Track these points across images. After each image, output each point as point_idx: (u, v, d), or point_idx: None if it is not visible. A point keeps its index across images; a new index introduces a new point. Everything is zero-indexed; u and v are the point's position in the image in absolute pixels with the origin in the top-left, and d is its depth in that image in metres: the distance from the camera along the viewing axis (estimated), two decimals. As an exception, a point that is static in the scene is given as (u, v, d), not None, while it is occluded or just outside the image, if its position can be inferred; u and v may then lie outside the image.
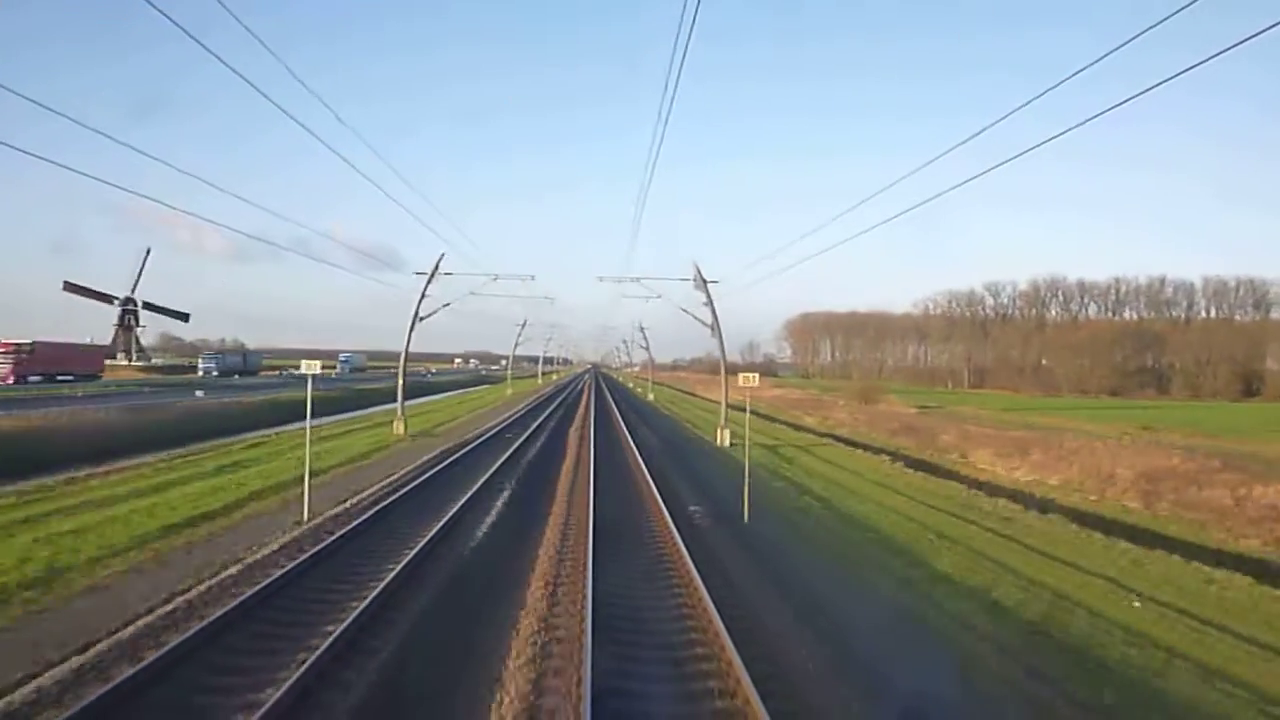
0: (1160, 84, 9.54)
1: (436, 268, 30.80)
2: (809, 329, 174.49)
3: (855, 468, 27.46)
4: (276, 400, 43.19)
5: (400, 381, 32.78)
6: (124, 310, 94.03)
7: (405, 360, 33.28)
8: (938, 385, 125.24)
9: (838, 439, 39.82)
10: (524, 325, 68.20)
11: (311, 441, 16.49)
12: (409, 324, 31.00)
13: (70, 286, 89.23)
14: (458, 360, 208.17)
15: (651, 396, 70.32)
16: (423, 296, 30.66)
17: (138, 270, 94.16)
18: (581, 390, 77.94)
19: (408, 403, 33.32)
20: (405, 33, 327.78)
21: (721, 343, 31.41)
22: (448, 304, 31.92)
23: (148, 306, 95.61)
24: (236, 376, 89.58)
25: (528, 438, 29.14)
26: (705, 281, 31.49)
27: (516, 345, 71.15)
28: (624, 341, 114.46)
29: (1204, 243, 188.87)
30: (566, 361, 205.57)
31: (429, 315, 31.07)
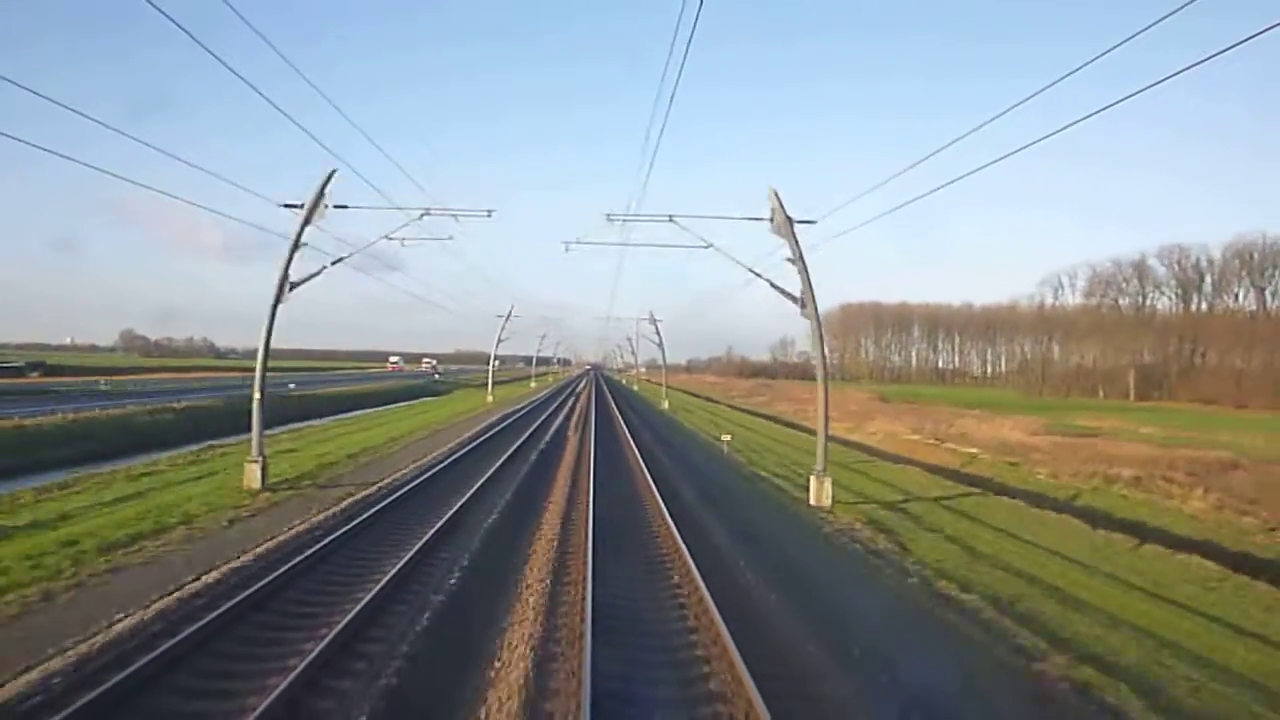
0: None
1: (322, 193, 17.52)
2: (851, 324, 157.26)
3: None
4: None
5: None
6: None
7: None
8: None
9: None
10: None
11: None
12: (272, 300, 17.60)
13: None
14: (394, 360, 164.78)
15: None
16: (296, 244, 17.36)
17: None
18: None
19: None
20: (401, 30, 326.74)
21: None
22: (338, 259, 18.37)
23: None
24: None
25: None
26: (792, 222, 17.74)
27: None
28: (628, 339, 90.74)
29: None
30: (566, 362, 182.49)
31: (304, 281, 17.71)
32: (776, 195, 17.94)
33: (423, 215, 18.32)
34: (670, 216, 18.42)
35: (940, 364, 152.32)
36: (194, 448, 28.70)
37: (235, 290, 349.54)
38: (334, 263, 18.19)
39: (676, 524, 13.65)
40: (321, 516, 14.71)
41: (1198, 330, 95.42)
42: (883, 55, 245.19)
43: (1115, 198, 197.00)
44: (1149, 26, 8.61)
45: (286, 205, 17.83)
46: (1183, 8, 8.33)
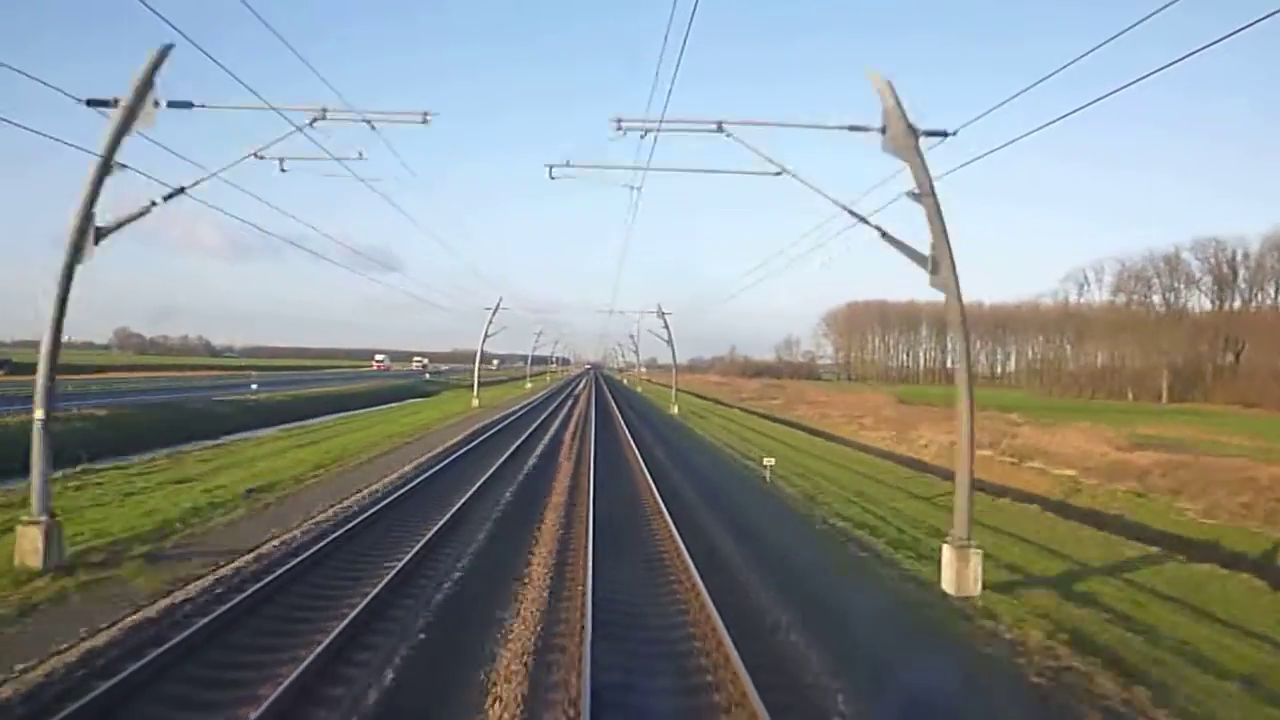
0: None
1: (150, 82, 10.57)
2: (856, 322, 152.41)
3: None
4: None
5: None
6: None
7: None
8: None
9: None
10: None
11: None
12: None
13: None
14: (380, 358, 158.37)
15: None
16: (107, 164, 10.46)
17: None
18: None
19: None
20: (401, 30, 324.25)
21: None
22: (175, 192, 11.36)
23: None
24: None
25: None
26: (916, 133, 10.88)
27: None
28: (630, 336, 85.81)
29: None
30: (565, 361, 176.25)
31: (119, 226, 10.76)
32: (893, 91, 11.00)
33: (315, 120, 11.33)
34: (719, 124, 11.45)
35: (949, 363, 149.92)
36: (81, 468, 21.66)
37: (234, 288, 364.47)
38: (167, 197, 11.15)
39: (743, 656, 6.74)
40: (74, 655, 7.66)
41: (1235, 327, 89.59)
42: (883, 55, 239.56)
43: (1117, 197, 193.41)
44: (1144, 19, 8.02)
45: (93, 102, 10.86)
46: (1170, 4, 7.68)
